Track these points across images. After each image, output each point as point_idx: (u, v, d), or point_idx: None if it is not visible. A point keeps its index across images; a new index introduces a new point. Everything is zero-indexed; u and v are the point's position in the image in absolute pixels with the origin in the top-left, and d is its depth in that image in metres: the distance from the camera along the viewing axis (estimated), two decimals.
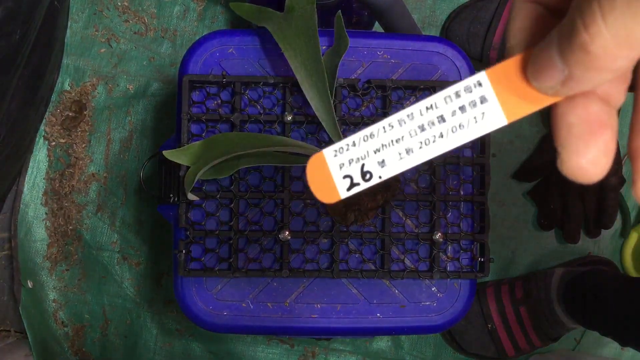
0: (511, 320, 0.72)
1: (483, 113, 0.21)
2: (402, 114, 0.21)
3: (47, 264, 0.76)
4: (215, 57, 0.52)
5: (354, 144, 0.22)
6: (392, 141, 0.22)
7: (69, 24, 0.77)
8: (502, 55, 0.73)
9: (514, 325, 0.72)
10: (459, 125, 0.21)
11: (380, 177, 0.22)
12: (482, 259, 0.51)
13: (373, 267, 0.51)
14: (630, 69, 0.18)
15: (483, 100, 0.21)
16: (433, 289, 0.52)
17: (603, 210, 0.74)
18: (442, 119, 0.21)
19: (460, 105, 0.21)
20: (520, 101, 0.20)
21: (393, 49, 0.52)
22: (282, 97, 0.51)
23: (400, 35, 0.54)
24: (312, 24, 0.46)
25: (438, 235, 0.50)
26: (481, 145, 0.51)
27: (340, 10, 0.49)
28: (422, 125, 0.21)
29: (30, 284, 0.76)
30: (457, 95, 0.21)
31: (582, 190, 0.73)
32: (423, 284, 0.52)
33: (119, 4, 0.78)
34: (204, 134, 0.50)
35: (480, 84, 0.21)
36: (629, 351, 0.78)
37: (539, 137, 0.79)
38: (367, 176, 0.22)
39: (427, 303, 0.52)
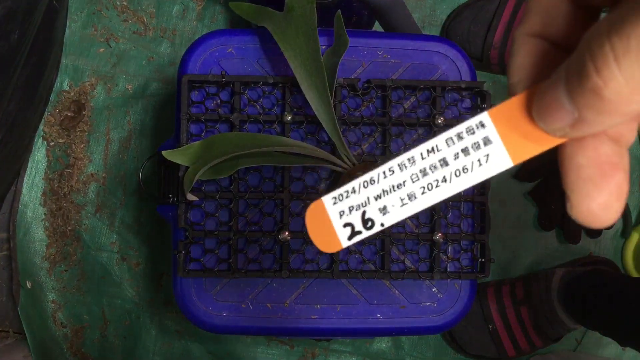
0: (512, 320, 0.72)
1: (487, 155, 0.20)
2: (402, 157, 0.21)
3: (46, 265, 0.76)
4: (215, 56, 0.51)
5: (353, 191, 0.21)
6: (393, 187, 0.21)
7: (67, 23, 0.77)
8: (502, 55, 0.73)
9: (514, 325, 0.72)
10: (463, 169, 0.20)
11: (382, 225, 0.21)
12: (483, 260, 0.51)
13: (373, 268, 0.51)
14: None
15: (487, 142, 0.20)
16: (433, 290, 0.51)
17: None
18: (444, 162, 0.20)
19: (463, 147, 0.20)
20: (526, 142, 0.19)
21: (393, 49, 0.52)
22: (282, 97, 0.51)
23: (401, 34, 0.54)
24: (311, 24, 0.46)
25: (438, 236, 0.50)
26: None
27: (340, 10, 0.48)
28: (424, 169, 0.20)
29: (29, 285, 0.75)
30: (460, 137, 0.20)
31: None
32: (423, 284, 0.51)
33: (118, 3, 0.77)
34: (203, 134, 0.50)
35: (483, 125, 0.20)
36: (630, 352, 0.78)
37: None
38: (369, 224, 0.21)
39: (428, 304, 0.51)
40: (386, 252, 0.50)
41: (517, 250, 0.79)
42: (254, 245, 0.50)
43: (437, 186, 0.20)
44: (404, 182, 0.21)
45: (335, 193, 0.22)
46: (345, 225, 0.21)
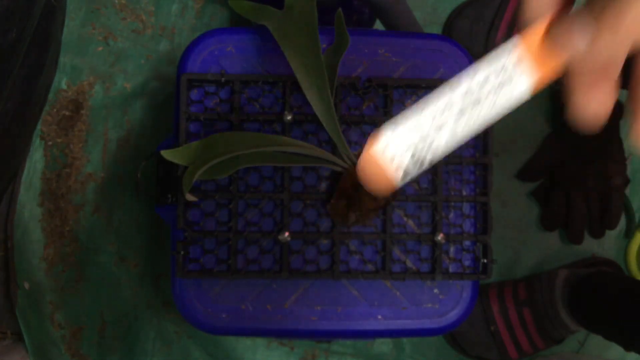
0: (514, 322, 0.71)
1: (511, 87, 0.24)
2: (443, 99, 0.25)
3: (44, 265, 0.75)
4: (214, 55, 0.51)
5: (401, 136, 0.25)
6: (437, 127, 0.25)
7: (65, 22, 0.76)
8: None
9: (517, 327, 0.71)
10: (498, 86, 0.24)
11: (430, 162, 0.25)
12: (485, 260, 0.50)
13: (374, 269, 0.50)
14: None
15: (510, 74, 0.24)
16: (435, 291, 0.51)
17: (607, 210, 0.73)
18: (477, 101, 0.24)
19: (495, 71, 0.24)
20: (541, 68, 0.24)
21: (394, 47, 0.52)
22: (282, 96, 0.50)
23: (402, 33, 0.53)
24: (312, 22, 0.45)
25: (440, 236, 0.49)
26: (484, 144, 0.51)
27: (340, 8, 0.48)
28: (462, 108, 0.25)
29: (26, 286, 0.75)
30: (490, 63, 0.24)
31: (587, 190, 0.72)
32: (425, 285, 0.51)
33: (117, 1, 0.77)
34: (202, 134, 0.50)
35: (511, 51, 0.24)
36: (634, 355, 0.78)
37: (542, 136, 0.78)
38: (418, 163, 0.25)
39: (429, 305, 0.51)
40: (387, 252, 0.49)
41: (519, 251, 0.78)
42: (253, 245, 0.50)
43: (476, 112, 0.25)
44: (457, 108, 0.25)
45: (385, 141, 0.25)
46: (397, 168, 0.25)
